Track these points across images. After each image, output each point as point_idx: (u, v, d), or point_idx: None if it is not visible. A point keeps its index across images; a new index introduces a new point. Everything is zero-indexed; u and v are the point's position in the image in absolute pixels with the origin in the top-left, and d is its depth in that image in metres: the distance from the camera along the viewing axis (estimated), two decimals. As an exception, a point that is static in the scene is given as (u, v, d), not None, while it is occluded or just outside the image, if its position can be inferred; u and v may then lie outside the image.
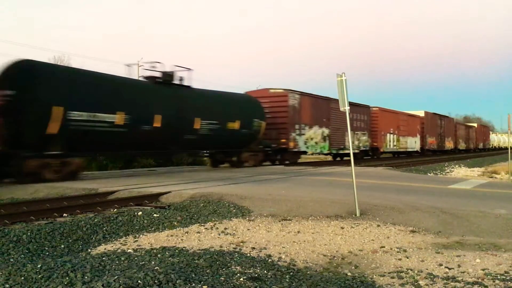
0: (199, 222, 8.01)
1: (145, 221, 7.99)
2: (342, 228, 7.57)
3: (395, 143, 36.68)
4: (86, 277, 4.54)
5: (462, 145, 56.06)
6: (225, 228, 7.47)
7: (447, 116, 52.03)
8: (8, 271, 4.72)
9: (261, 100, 22.79)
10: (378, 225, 7.80)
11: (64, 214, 8.48)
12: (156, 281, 4.30)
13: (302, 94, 25.15)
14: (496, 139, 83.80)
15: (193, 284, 4.39)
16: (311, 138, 25.59)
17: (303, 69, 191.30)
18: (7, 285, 4.40)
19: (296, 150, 24.46)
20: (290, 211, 9.05)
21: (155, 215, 8.29)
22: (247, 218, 8.39)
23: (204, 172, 18.06)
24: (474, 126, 65.99)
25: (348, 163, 19.40)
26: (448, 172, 24.86)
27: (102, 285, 4.18)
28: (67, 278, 4.52)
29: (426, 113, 44.20)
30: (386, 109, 36.25)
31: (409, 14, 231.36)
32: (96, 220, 7.67)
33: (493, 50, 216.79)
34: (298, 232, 7.29)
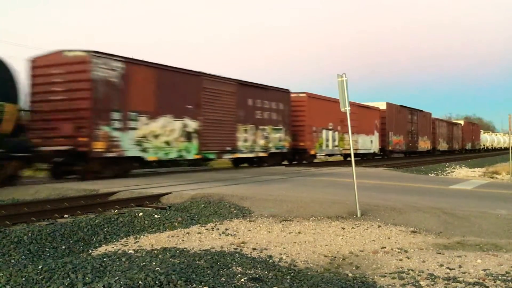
0: (200, 223, 8.01)
1: (146, 222, 7.99)
2: (343, 228, 7.57)
3: (336, 143, 27.76)
4: (87, 278, 4.54)
5: (442, 145, 48.58)
6: (226, 229, 7.47)
7: (421, 111, 42.47)
8: (9, 272, 4.73)
9: (52, 70, 14.48)
10: (379, 226, 7.80)
11: (65, 215, 8.49)
12: (157, 282, 4.30)
13: (130, 61, 15.45)
14: (489, 139, 76.83)
15: (194, 285, 4.39)
16: (154, 135, 16.07)
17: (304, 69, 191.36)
18: (8, 286, 4.41)
19: (113, 155, 14.58)
20: (291, 212, 9.05)
21: (156, 216, 8.29)
22: (248, 219, 8.39)
23: (205, 172, 18.06)
24: (460, 124, 57.29)
25: (349, 164, 19.40)
26: (449, 173, 24.85)
27: (103, 286, 4.18)
28: (68, 279, 4.52)
29: (389, 105, 35.26)
30: (319, 96, 26.32)
31: (409, 14, 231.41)
32: (97, 221, 7.67)
33: (493, 50, 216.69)
34: (299, 232, 7.29)
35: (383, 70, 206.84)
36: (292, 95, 24.15)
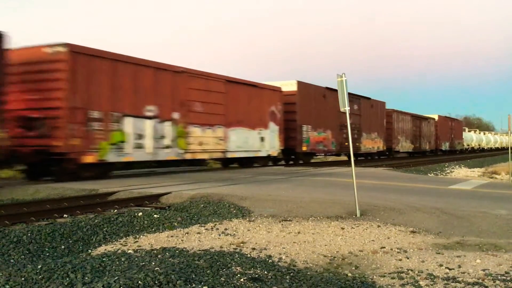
0: (199, 223, 8.01)
1: (145, 221, 7.99)
2: (343, 228, 7.57)
3: (169, 141, 16.40)
4: (86, 278, 4.54)
5: (405, 145, 38.49)
6: (226, 229, 7.47)
7: (368, 98, 31.53)
8: (8, 272, 4.73)
9: None
10: (379, 226, 7.80)
11: (65, 215, 8.48)
12: (156, 282, 4.30)
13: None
14: (474, 139, 65.94)
15: (194, 285, 4.39)
16: None
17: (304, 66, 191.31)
18: (8, 286, 4.41)
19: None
20: (291, 212, 9.05)
21: (155, 215, 8.29)
22: (248, 219, 8.39)
23: (205, 172, 18.05)
24: (432, 119, 46.62)
25: (348, 164, 19.41)
26: (448, 173, 24.87)
27: (103, 286, 4.18)
28: (68, 279, 4.52)
29: (302, 85, 24.20)
30: (110, 55, 14.42)
31: (409, 14, 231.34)
32: (96, 220, 7.67)
33: (493, 50, 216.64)
34: (299, 232, 7.29)
35: (382, 70, 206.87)
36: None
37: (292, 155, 24.92)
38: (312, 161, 28.44)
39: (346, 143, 26.06)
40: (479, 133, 74.78)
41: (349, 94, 25.76)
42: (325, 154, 31.05)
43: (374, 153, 33.95)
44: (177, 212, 8.83)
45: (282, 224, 7.91)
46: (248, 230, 7.45)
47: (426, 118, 45.28)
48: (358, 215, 8.59)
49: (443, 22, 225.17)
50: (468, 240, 6.86)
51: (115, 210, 9.01)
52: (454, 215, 8.51)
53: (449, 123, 52.48)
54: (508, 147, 70.17)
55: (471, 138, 65.07)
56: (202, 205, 9.50)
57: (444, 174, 23.98)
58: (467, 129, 67.30)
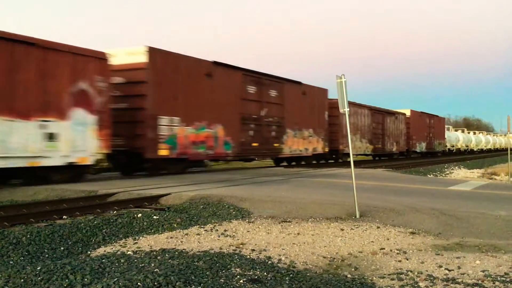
0: (198, 224, 8.00)
1: (145, 223, 7.98)
2: (342, 229, 7.57)
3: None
4: (85, 279, 4.54)
5: (360, 146, 31.13)
6: (225, 230, 7.46)
7: (299, 83, 23.92)
8: (7, 274, 4.72)
9: None
10: (378, 227, 7.80)
11: (64, 216, 8.48)
12: (155, 283, 4.29)
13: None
14: (461, 139, 57.83)
15: (193, 286, 4.39)
16: None
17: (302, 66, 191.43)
18: (7, 287, 4.40)
19: None
20: (290, 213, 9.04)
21: (154, 217, 8.28)
22: (247, 220, 8.38)
23: (204, 174, 18.04)
24: (403, 114, 38.79)
25: (348, 165, 19.41)
26: (448, 174, 24.88)
27: (102, 287, 4.18)
28: (67, 280, 4.52)
29: (154, 53, 15.68)
30: None
31: (409, 15, 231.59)
32: (95, 222, 7.66)
33: (493, 51, 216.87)
34: (298, 234, 7.29)
35: (381, 71, 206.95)
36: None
37: (143, 162, 15.84)
38: (314, 162, 26.22)
39: (254, 143, 20.42)
40: (468, 132, 68.12)
41: (263, 74, 20.65)
42: (215, 160, 19.89)
43: (309, 156, 25.29)
44: (176, 214, 8.82)
45: (282, 225, 7.91)
46: (248, 231, 7.45)
47: (393, 113, 37.03)
48: (357, 216, 8.58)
49: (440, 23, 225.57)
50: (468, 241, 6.87)
51: (115, 212, 9.00)
52: (453, 216, 8.51)
53: (426, 120, 44.14)
54: (502, 148, 69.11)
55: (457, 138, 56.90)
56: (201, 206, 9.50)
57: (443, 175, 23.99)
58: (451, 128, 60.63)
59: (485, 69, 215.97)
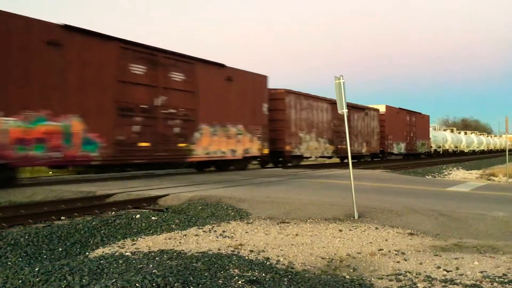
0: (197, 225, 8.00)
1: (143, 224, 7.97)
2: (341, 230, 7.57)
3: None
4: (84, 281, 4.53)
5: (316, 147, 26.11)
6: (223, 231, 7.46)
7: (222, 65, 19.00)
8: (5, 275, 4.72)
9: None
10: (377, 228, 7.80)
11: (62, 217, 8.47)
12: (154, 284, 4.29)
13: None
14: (450, 139, 53.44)
15: (191, 287, 4.38)
16: None
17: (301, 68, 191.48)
18: (5, 289, 4.40)
19: None
20: (288, 214, 9.04)
21: (153, 218, 8.28)
22: (245, 221, 8.38)
23: (202, 174, 18.04)
24: (375, 110, 34.01)
25: (346, 166, 19.41)
26: (446, 175, 24.89)
27: (100, 288, 4.17)
28: (65, 281, 4.51)
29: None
30: None
31: (408, 16, 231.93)
32: (94, 223, 7.65)
33: (492, 51, 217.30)
34: (296, 234, 7.29)
35: (380, 71, 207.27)
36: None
37: None
38: (312, 163, 26.77)
39: (143, 143, 15.34)
40: (459, 132, 64.27)
41: (160, 50, 15.62)
42: (67, 165, 15.18)
43: (239, 160, 20.01)
44: (175, 214, 8.82)
45: (280, 226, 7.91)
46: (246, 232, 7.45)
47: (362, 109, 32.09)
48: (356, 217, 8.59)
49: (439, 24, 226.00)
50: (466, 242, 6.87)
51: (113, 213, 8.99)
52: (452, 217, 8.52)
53: (405, 117, 39.47)
54: (497, 149, 67.37)
55: (444, 138, 52.14)
56: (200, 207, 9.49)
57: (441, 176, 24.00)
58: (437, 126, 55.35)
59: (485, 70, 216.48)
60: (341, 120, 27.37)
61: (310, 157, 26.91)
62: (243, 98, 20.02)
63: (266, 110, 21.53)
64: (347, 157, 27.24)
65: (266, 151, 21.58)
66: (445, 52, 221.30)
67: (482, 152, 67.33)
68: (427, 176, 22.07)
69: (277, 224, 8.14)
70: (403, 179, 17.41)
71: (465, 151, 58.88)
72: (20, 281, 4.54)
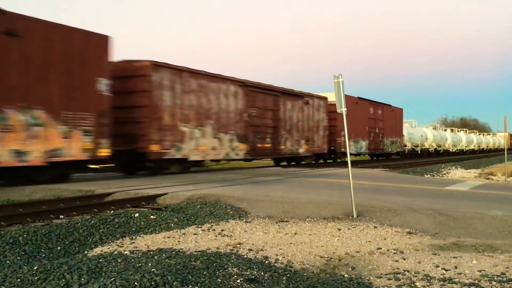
0: (196, 224, 8.00)
1: (142, 222, 7.97)
2: (339, 229, 7.57)
3: None
4: (82, 279, 4.53)
5: (222, 145, 19.19)
6: (222, 230, 7.46)
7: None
8: (4, 273, 4.72)
9: None
10: (375, 227, 7.81)
11: (61, 216, 8.46)
12: (152, 283, 4.29)
13: None
14: (430, 137, 46.74)
15: (190, 286, 4.39)
16: None
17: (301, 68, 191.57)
18: (4, 287, 4.39)
19: None
20: (287, 213, 9.05)
21: (151, 216, 8.28)
22: (244, 220, 8.38)
23: (201, 173, 18.03)
24: (323, 99, 27.12)
25: (345, 165, 19.45)
26: (444, 174, 24.92)
27: (99, 287, 4.17)
28: (64, 280, 4.51)
29: None
30: None
31: (407, 15, 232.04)
32: (92, 221, 7.65)
33: (491, 51, 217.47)
34: (295, 233, 7.29)
35: (380, 71, 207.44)
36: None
37: None
38: (311, 162, 26.31)
39: None
40: (445, 130, 57.95)
41: None
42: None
43: (39, 168, 12.58)
44: (173, 213, 8.82)
45: (279, 225, 7.91)
46: (245, 231, 7.45)
47: (300, 96, 24.78)
48: (354, 216, 8.59)
49: (438, 23, 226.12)
50: (465, 241, 6.88)
51: (112, 211, 8.99)
52: (450, 216, 8.53)
53: (367, 109, 31.89)
54: (490, 148, 63.94)
55: (424, 136, 45.40)
56: (198, 206, 9.49)
57: (440, 175, 24.02)
58: (414, 122, 47.36)
59: (484, 70, 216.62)
60: (262, 110, 21.87)
61: (204, 161, 19.84)
62: (44, 64, 12.55)
63: (106, 89, 14.15)
64: (280, 158, 25.07)
65: (104, 152, 14.13)
66: (442, 52, 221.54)
67: (472, 151, 61.47)
68: (425, 175, 22.09)
69: (276, 223, 8.14)
70: (402, 178, 17.42)
71: (451, 150, 52.36)
72: (19, 280, 4.53)
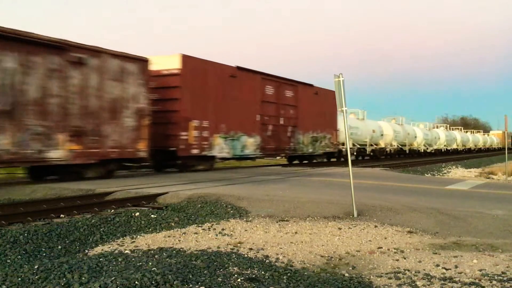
0: (196, 223, 8.00)
1: (143, 222, 7.98)
2: (340, 229, 7.57)
3: None
4: (83, 278, 4.54)
5: None
6: (223, 229, 7.46)
7: None
8: (5, 272, 4.72)
9: None
10: (376, 226, 7.81)
11: (61, 215, 8.47)
12: (153, 282, 4.29)
13: None
14: (388, 133, 37.12)
15: (191, 285, 4.39)
16: None
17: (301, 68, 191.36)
18: (4, 286, 4.40)
19: None
20: (288, 212, 9.05)
21: (152, 216, 8.28)
22: (245, 219, 8.38)
23: (202, 172, 18.03)
24: (120, 60, 14.27)
25: (346, 164, 19.43)
26: (445, 173, 24.91)
27: (99, 286, 4.18)
28: (64, 279, 4.51)
29: None
30: None
31: (407, 14, 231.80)
32: (93, 221, 7.65)
33: (491, 51, 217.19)
34: (296, 233, 7.29)
35: (380, 70, 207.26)
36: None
37: None
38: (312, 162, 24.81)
39: None
40: (417, 125, 48.37)
41: None
42: None
43: None
44: (174, 212, 8.82)
45: (279, 224, 7.92)
46: (245, 230, 7.45)
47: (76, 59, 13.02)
48: (355, 215, 8.60)
49: (439, 22, 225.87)
50: (465, 241, 6.88)
51: (112, 210, 8.99)
52: (451, 216, 8.53)
53: (262, 87, 21.04)
54: (480, 148, 60.26)
55: (378, 130, 35.92)
56: (199, 205, 9.50)
57: (441, 174, 24.02)
58: (362, 113, 35.08)
59: (484, 69, 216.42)
60: None
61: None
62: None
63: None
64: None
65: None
66: (442, 51, 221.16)
67: (455, 151, 53.47)
68: (426, 174, 22.09)
69: (276, 222, 8.14)
70: (402, 177, 17.41)
71: (422, 151, 43.83)
72: (20, 279, 4.54)
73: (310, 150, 24.77)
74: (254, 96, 20.56)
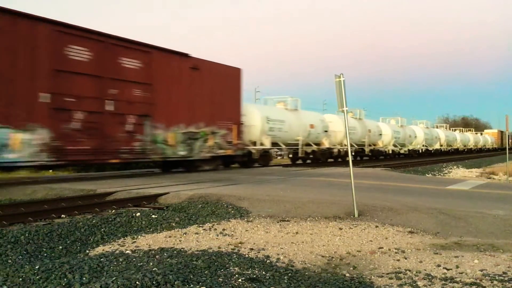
0: (197, 223, 8.01)
1: (143, 222, 7.98)
2: (341, 229, 7.57)
3: None
4: (84, 278, 4.54)
5: None
6: (224, 229, 7.46)
7: None
8: (6, 272, 4.73)
9: None
10: (377, 226, 7.80)
11: (62, 215, 8.47)
12: (154, 282, 4.29)
13: None
14: (336, 129, 30.51)
15: (191, 285, 4.39)
16: None
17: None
18: (5, 286, 4.40)
19: None
20: (289, 212, 9.04)
21: (153, 216, 8.28)
22: (246, 219, 8.38)
23: (203, 173, 18.04)
24: None
25: (346, 164, 19.41)
26: (446, 173, 24.90)
27: (100, 286, 4.18)
28: (65, 279, 4.52)
29: None
30: None
31: (406, 12, 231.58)
32: (94, 221, 7.66)
33: (491, 50, 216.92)
34: (297, 233, 7.29)
35: (380, 69, 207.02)
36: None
37: None
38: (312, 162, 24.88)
39: None
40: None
41: None
42: None
43: None
44: (175, 213, 8.82)
45: (280, 225, 7.91)
46: (246, 230, 7.45)
47: None
48: (356, 215, 8.59)
49: (439, 21, 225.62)
50: (466, 241, 6.88)
51: (113, 211, 9.00)
52: (452, 216, 8.52)
53: (59, 47, 12.74)
54: (470, 148, 58.18)
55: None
56: (200, 206, 9.50)
57: (442, 174, 24.01)
58: (298, 101, 27.98)
59: (484, 69, 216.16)
60: None
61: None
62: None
63: None
64: None
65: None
66: (442, 50, 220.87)
67: (439, 152, 48.50)
68: (427, 175, 22.08)
69: (277, 222, 8.14)
70: (403, 178, 17.41)
71: (389, 151, 37.55)
72: (21, 279, 4.54)
73: (182, 153, 17.07)
74: (32, 60, 12.43)
